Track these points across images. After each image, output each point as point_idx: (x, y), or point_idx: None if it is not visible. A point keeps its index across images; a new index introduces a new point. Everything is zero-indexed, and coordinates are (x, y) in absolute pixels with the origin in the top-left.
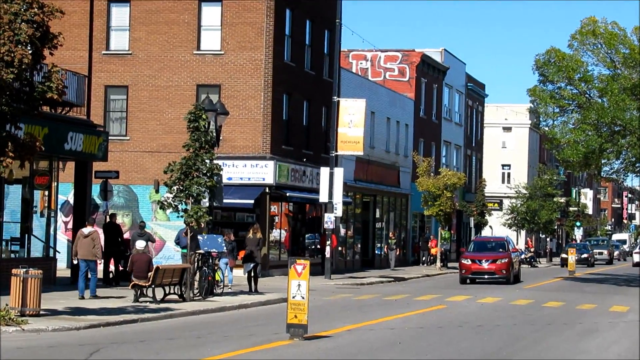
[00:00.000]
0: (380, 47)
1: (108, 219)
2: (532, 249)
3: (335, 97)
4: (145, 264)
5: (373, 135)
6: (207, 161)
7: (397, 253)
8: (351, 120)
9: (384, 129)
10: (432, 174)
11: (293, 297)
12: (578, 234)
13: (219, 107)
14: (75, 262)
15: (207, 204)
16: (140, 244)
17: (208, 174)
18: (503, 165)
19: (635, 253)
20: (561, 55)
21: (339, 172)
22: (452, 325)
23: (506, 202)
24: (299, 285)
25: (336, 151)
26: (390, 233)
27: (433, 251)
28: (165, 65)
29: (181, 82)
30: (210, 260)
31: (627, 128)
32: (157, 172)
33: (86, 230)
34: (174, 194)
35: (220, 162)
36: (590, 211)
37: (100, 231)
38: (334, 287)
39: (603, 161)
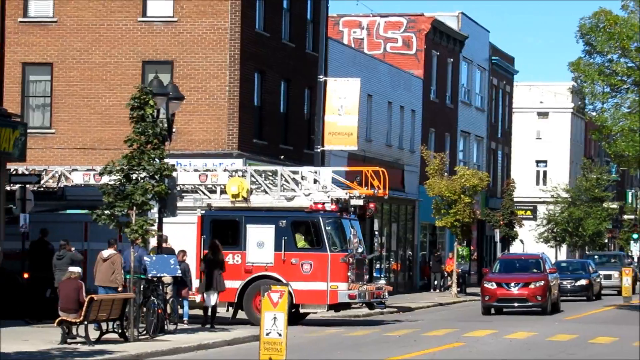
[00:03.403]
0: (380, 12)
1: (39, 236)
2: None
3: (321, 76)
4: (74, 292)
5: (370, 124)
6: (156, 160)
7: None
8: (342, 106)
9: (385, 116)
10: (446, 173)
11: (267, 334)
12: (635, 249)
13: (172, 91)
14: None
15: (156, 216)
16: (72, 268)
17: (157, 177)
18: (538, 162)
19: None
20: (613, 18)
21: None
22: None
23: (541, 210)
24: (274, 318)
25: (323, 145)
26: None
27: (448, 272)
28: (101, 36)
29: (122, 58)
30: (161, 288)
31: None
32: None
33: (106, 253)
34: (112, 202)
35: (173, 160)
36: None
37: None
38: (320, 318)
39: None
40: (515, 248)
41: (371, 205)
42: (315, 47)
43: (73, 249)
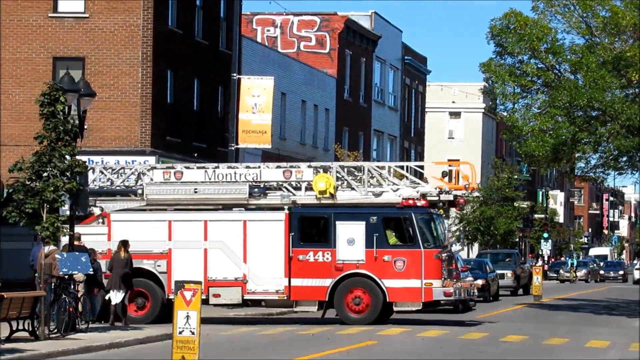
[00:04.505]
0: (294, 10)
1: None
2: None
3: (235, 75)
4: None
5: (284, 123)
6: (67, 157)
7: None
8: (256, 104)
9: (298, 115)
10: None
11: (180, 333)
12: (546, 247)
13: (83, 87)
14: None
15: (68, 213)
16: None
17: (68, 174)
18: (449, 161)
19: (637, 270)
20: (523, 20)
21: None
22: None
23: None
24: (187, 316)
25: (237, 143)
26: None
27: None
28: (12, 32)
29: (33, 54)
30: (72, 286)
31: (608, 113)
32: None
33: (47, 248)
34: (22, 199)
35: (84, 158)
36: (561, 219)
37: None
38: (234, 316)
39: (577, 155)
40: None
41: (461, 200)
42: (229, 45)
43: None
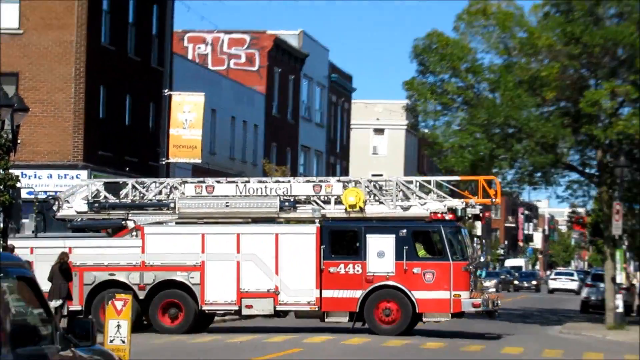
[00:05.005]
0: (224, 28)
1: None
2: None
3: (166, 91)
4: None
5: (214, 138)
6: (0, 170)
7: None
8: (186, 120)
9: (228, 130)
10: None
11: (111, 342)
12: None
13: (16, 102)
14: None
15: (0, 226)
16: None
17: (1, 187)
18: (374, 176)
19: (551, 280)
20: (445, 40)
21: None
22: None
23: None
24: (118, 326)
25: (168, 158)
26: None
27: None
28: None
29: None
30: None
31: (524, 130)
32: None
33: None
34: None
35: (17, 171)
36: (478, 231)
37: None
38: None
39: (494, 171)
40: None
41: (486, 213)
42: (161, 61)
43: None
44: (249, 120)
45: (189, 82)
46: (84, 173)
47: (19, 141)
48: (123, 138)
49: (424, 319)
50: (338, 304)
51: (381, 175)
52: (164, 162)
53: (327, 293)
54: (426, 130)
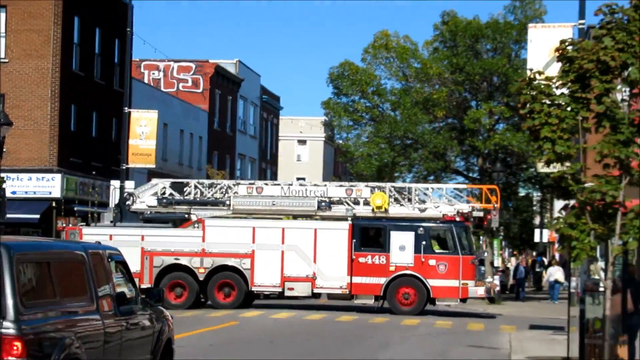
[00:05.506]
0: (174, 57)
1: None
2: None
3: (126, 108)
4: None
5: (166, 147)
6: None
7: None
8: (143, 132)
9: (177, 141)
10: None
11: None
12: None
13: (3, 118)
14: None
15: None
16: None
17: None
18: (298, 179)
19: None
20: (355, 68)
21: (129, 185)
22: (245, 342)
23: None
24: None
25: (127, 164)
26: None
27: None
28: None
29: None
30: None
31: (419, 142)
32: None
33: None
34: None
35: (3, 175)
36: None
37: None
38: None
39: (395, 174)
40: None
41: (489, 216)
42: (122, 84)
43: None
44: (195, 133)
45: (145, 102)
46: (57, 176)
47: (4, 150)
48: (90, 147)
49: (436, 303)
50: (365, 288)
51: (304, 179)
52: (124, 167)
53: (356, 279)
54: (340, 142)
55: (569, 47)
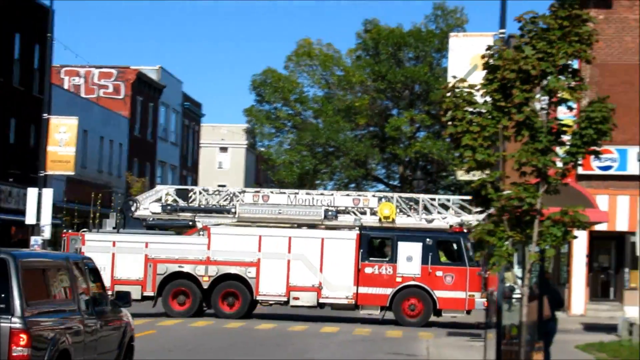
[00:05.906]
0: (95, 64)
1: None
2: None
3: (45, 115)
4: None
5: (86, 154)
6: None
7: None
8: (62, 139)
9: (97, 148)
10: None
11: None
12: None
13: None
14: None
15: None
16: None
17: None
18: (219, 186)
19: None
20: (277, 76)
21: (47, 193)
22: (163, 350)
23: None
24: None
25: (45, 171)
26: None
27: None
28: None
29: None
30: None
31: (341, 149)
32: None
33: None
34: None
35: None
36: None
37: None
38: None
39: (317, 182)
40: None
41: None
42: (41, 90)
43: None
44: (115, 140)
45: (65, 108)
46: None
47: None
48: (8, 153)
49: (443, 314)
50: (372, 299)
51: (224, 186)
52: (42, 174)
53: (362, 290)
54: (262, 149)
55: (493, 56)
